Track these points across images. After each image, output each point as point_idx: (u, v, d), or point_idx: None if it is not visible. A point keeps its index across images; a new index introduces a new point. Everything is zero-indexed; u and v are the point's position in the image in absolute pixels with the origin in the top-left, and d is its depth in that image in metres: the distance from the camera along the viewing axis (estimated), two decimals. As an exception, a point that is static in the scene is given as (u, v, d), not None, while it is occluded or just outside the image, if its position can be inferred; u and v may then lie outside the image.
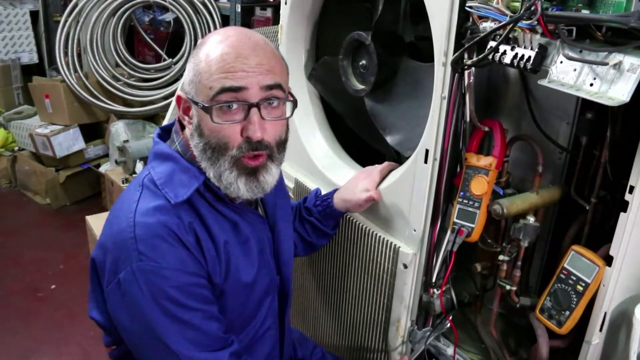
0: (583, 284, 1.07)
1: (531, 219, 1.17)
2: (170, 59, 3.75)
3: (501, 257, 1.23)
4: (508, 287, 1.23)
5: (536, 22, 0.91)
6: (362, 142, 1.62)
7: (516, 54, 0.98)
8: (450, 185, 1.25)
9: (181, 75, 3.52)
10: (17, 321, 2.70)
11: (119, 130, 3.47)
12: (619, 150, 1.07)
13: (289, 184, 1.64)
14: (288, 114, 1.12)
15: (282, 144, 1.12)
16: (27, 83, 4.06)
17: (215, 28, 3.48)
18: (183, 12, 3.54)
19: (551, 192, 1.21)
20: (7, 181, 4.09)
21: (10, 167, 4.02)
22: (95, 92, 3.68)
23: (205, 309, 1.07)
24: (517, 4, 0.94)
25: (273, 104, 1.07)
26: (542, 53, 0.96)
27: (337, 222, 1.49)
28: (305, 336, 1.59)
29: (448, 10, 1.09)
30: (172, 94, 3.57)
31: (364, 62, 1.44)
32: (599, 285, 1.05)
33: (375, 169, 1.42)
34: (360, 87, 1.47)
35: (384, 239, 1.37)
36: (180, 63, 3.67)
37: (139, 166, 3.10)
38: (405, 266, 1.31)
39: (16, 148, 4.07)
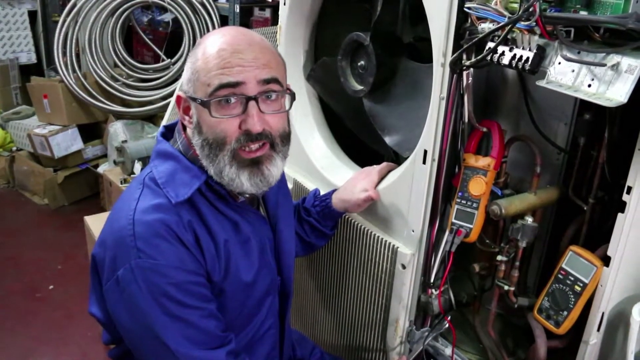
0: (581, 284, 1.07)
1: (529, 220, 1.18)
2: (169, 59, 3.74)
3: (499, 258, 1.23)
4: (506, 288, 1.23)
5: (534, 23, 0.91)
6: (361, 142, 1.62)
7: (514, 54, 0.98)
8: (448, 185, 1.25)
9: (180, 76, 3.52)
10: (16, 321, 2.69)
11: (117, 130, 3.47)
12: (617, 151, 1.07)
13: (288, 184, 1.64)
14: (287, 106, 1.13)
15: (286, 137, 1.12)
16: (25, 83, 4.05)
17: (214, 28, 3.48)
18: (182, 12, 3.54)
19: (549, 192, 1.21)
20: (5, 181, 4.08)
21: (9, 167, 4.02)
22: (94, 93, 3.67)
23: (203, 306, 1.07)
24: (516, 5, 0.95)
25: (271, 98, 1.08)
26: (541, 54, 0.96)
27: (335, 223, 1.49)
28: (304, 336, 1.59)
29: (447, 11, 1.09)
30: (170, 94, 3.56)
31: (362, 62, 1.44)
32: (597, 286, 1.05)
33: (374, 170, 1.43)
34: (359, 87, 1.47)
35: (382, 239, 1.37)
36: (179, 63, 3.66)
37: (138, 166, 3.10)
38: (404, 266, 1.32)
39: (14, 148, 4.06)
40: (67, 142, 3.71)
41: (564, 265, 1.11)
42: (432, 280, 1.30)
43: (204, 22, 3.52)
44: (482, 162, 1.19)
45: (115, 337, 1.18)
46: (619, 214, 0.99)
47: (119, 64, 3.79)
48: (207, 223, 1.10)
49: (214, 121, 1.05)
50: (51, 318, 2.73)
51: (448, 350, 1.36)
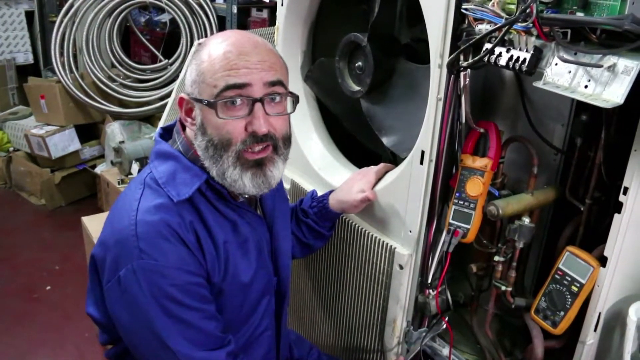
0: (578, 285, 1.08)
1: (526, 220, 1.18)
2: (166, 60, 3.74)
3: (496, 258, 1.23)
4: (503, 288, 1.24)
5: (531, 25, 0.91)
6: (359, 143, 1.62)
7: (511, 56, 0.98)
8: (446, 186, 1.25)
9: (177, 76, 3.52)
10: (13, 322, 2.69)
11: (114, 131, 3.47)
12: (614, 152, 1.07)
13: (285, 185, 1.64)
14: (290, 109, 1.13)
15: (287, 139, 1.14)
16: (22, 83, 4.05)
17: (211, 29, 3.48)
18: (179, 13, 3.53)
19: (546, 193, 1.21)
20: (2, 182, 4.07)
21: (6, 168, 4.01)
22: (91, 93, 3.67)
23: (204, 308, 1.08)
24: (513, 7, 0.95)
25: (276, 100, 1.09)
26: (537, 55, 0.96)
27: (333, 224, 1.49)
28: (301, 337, 1.59)
29: (444, 12, 1.09)
30: (168, 95, 3.56)
31: (360, 63, 1.45)
32: (594, 286, 1.06)
33: (371, 170, 1.43)
34: (357, 88, 1.47)
35: (380, 239, 1.37)
36: (177, 64, 3.66)
37: (135, 167, 3.10)
38: (401, 267, 1.32)
39: (11, 149, 4.06)
40: (64, 142, 3.71)
41: (560, 266, 1.11)
42: (429, 280, 1.30)
43: (201, 22, 3.52)
44: (480, 162, 1.19)
45: (113, 337, 1.18)
46: (616, 215, 1.00)
47: (117, 64, 3.79)
48: (207, 224, 1.10)
49: (220, 122, 1.05)
50: (48, 319, 2.73)
51: (445, 351, 1.37)
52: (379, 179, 1.41)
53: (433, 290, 1.31)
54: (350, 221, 1.46)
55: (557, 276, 1.12)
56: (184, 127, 1.16)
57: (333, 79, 1.52)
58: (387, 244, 1.35)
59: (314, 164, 1.61)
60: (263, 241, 1.23)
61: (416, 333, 1.37)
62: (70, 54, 3.67)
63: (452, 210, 1.22)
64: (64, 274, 3.08)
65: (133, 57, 4.05)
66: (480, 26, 1.03)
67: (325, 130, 1.71)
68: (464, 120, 1.19)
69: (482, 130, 1.21)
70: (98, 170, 3.63)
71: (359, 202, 1.38)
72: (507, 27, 0.95)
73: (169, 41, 3.84)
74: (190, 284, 1.05)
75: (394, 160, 1.48)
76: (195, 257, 1.06)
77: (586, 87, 0.90)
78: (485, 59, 1.02)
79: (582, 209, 1.16)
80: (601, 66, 0.88)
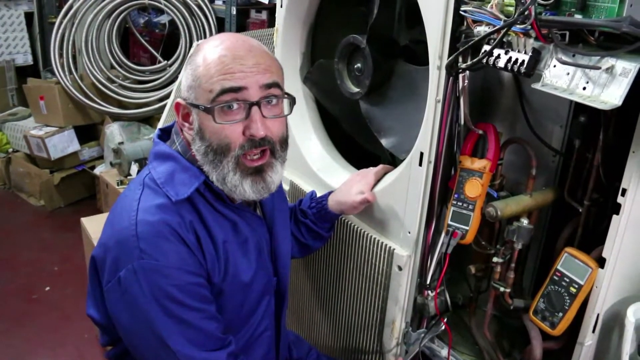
0: (576, 286, 1.08)
1: (525, 222, 1.18)
2: (166, 61, 3.74)
3: (495, 259, 1.24)
4: (502, 289, 1.24)
5: (530, 27, 0.92)
6: (358, 144, 1.62)
7: (510, 57, 0.99)
8: (444, 187, 1.25)
9: (176, 78, 3.52)
10: (12, 323, 2.69)
11: (114, 132, 3.47)
12: (612, 153, 1.08)
13: (284, 186, 1.64)
14: (287, 111, 1.13)
15: (284, 142, 1.14)
16: (21, 84, 4.04)
17: (210, 30, 3.49)
18: (178, 14, 3.54)
19: (545, 194, 1.22)
20: (1, 183, 4.07)
21: (5, 169, 4.01)
22: (90, 94, 3.67)
23: (204, 308, 1.08)
24: (511, 9, 0.95)
25: (272, 102, 1.09)
26: (536, 57, 0.97)
27: (332, 225, 1.49)
28: (300, 338, 1.59)
29: (443, 14, 1.10)
30: (167, 96, 3.56)
31: (359, 65, 1.45)
32: (592, 287, 1.06)
33: (370, 172, 1.43)
34: (356, 90, 1.48)
35: (378, 241, 1.37)
36: (176, 65, 3.66)
37: (134, 168, 3.10)
38: (400, 268, 1.32)
39: (10, 150, 4.05)
40: (63, 143, 3.71)
41: (559, 267, 1.12)
42: (428, 281, 1.31)
43: (200, 24, 3.52)
44: (478, 164, 1.19)
45: (113, 338, 1.18)
46: (614, 216, 1.00)
47: (116, 65, 3.79)
48: (207, 224, 1.10)
49: (217, 127, 1.05)
50: (47, 320, 2.73)
51: (444, 352, 1.37)
52: (378, 181, 1.41)
53: (432, 291, 1.31)
54: (349, 222, 1.46)
55: (555, 277, 1.12)
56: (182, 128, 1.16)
57: (332, 81, 1.52)
58: (386, 245, 1.35)
59: (313, 165, 1.61)
60: (263, 241, 1.23)
61: (415, 334, 1.38)
62: (70, 55, 3.67)
63: (450, 211, 1.23)
64: (63, 274, 3.08)
65: (132, 58, 4.05)
66: (479, 28, 1.03)
67: (324, 131, 1.72)
68: (462, 122, 1.19)
69: (480, 131, 1.21)
70: (97, 171, 3.62)
71: (358, 203, 1.38)
72: (505, 29, 0.95)
73: (168, 42, 3.84)
74: (191, 284, 1.05)
75: (393, 161, 1.48)
76: (195, 257, 1.07)
77: (584, 88, 0.91)
78: (484, 60, 1.02)
79: (580, 210, 1.17)
80: (599, 68, 0.88)
